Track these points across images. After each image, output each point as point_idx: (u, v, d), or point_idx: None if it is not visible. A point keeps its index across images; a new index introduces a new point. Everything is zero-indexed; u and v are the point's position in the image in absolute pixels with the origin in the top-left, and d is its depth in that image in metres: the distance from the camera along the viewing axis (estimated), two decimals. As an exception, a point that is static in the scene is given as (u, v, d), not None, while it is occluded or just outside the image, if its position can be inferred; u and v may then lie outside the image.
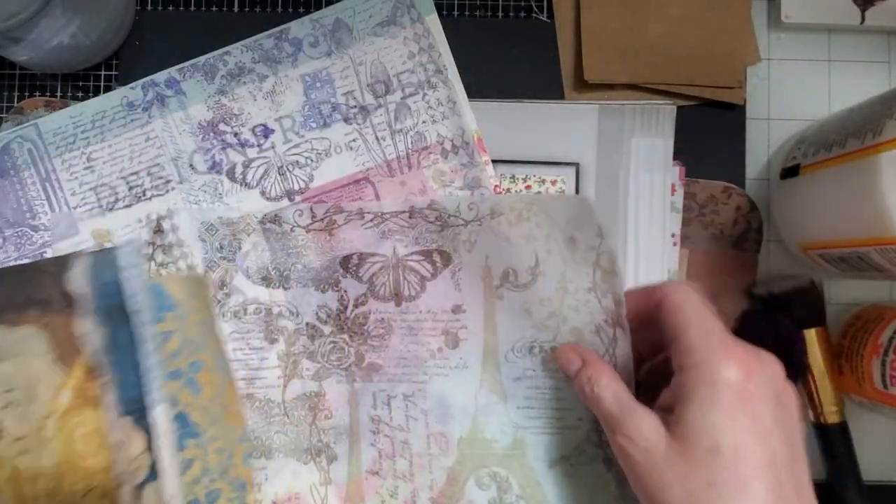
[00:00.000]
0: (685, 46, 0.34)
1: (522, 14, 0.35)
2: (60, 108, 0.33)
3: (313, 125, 0.33)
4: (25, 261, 0.33)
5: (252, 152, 0.33)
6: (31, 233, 0.33)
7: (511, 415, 0.31)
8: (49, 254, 0.33)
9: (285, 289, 0.33)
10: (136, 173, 0.33)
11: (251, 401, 0.32)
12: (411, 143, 0.33)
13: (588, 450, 0.31)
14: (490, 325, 0.32)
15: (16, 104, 0.35)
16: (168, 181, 0.33)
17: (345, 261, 0.32)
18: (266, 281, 0.33)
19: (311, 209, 0.32)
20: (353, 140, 0.33)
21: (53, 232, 0.33)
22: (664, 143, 0.33)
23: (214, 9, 0.35)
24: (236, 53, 0.33)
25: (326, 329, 0.33)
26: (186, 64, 0.33)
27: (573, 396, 0.30)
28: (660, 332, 0.25)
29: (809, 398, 0.33)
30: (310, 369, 0.33)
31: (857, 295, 0.35)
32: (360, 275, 0.32)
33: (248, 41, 0.33)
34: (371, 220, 0.32)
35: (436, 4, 0.33)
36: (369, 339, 0.32)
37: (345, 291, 0.32)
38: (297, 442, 0.32)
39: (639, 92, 0.34)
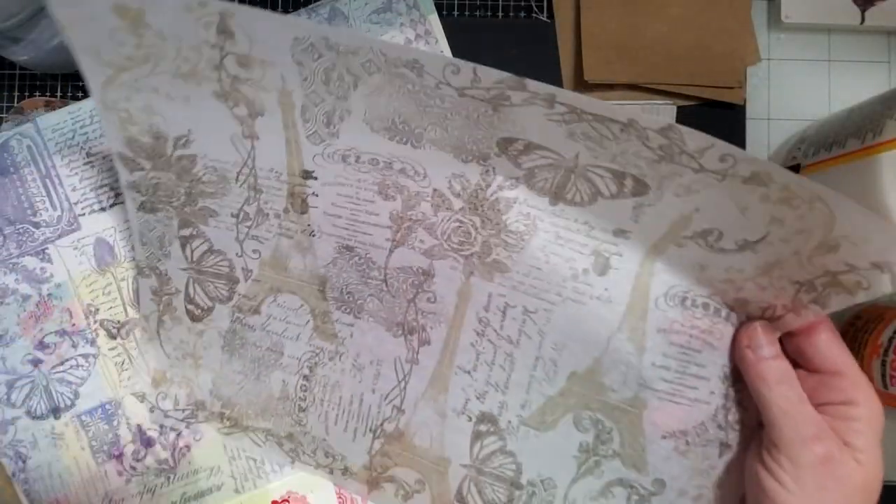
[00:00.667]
0: (685, 46, 0.34)
1: (522, 14, 0.35)
2: (60, 108, 0.33)
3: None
4: (27, 257, 0.32)
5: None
6: (33, 229, 0.33)
7: (644, 370, 0.27)
8: (51, 250, 0.33)
9: (413, 146, 0.26)
10: None
11: (350, 253, 0.29)
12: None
13: (710, 430, 0.27)
14: (650, 264, 0.26)
15: (16, 104, 0.35)
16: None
17: (506, 142, 0.25)
18: (388, 132, 0.26)
19: (475, 72, 0.23)
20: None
21: (55, 228, 0.33)
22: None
23: (214, 9, 0.35)
24: None
25: (456, 203, 0.27)
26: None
27: (711, 366, 0.26)
28: (799, 343, 0.26)
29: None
30: (424, 242, 0.28)
31: (857, 295, 0.35)
32: (520, 161, 0.26)
33: None
34: (563, 115, 0.23)
35: (436, 4, 0.33)
36: (504, 232, 0.27)
37: (492, 168, 0.26)
38: (390, 312, 0.29)
39: (639, 92, 0.34)
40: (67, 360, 0.32)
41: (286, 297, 0.30)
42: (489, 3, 0.35)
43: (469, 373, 0.29)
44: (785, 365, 0.25)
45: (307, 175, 0.28)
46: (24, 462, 0.32)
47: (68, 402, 0.32)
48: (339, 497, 0.32)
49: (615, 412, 0.27)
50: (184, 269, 0.30)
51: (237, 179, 0.28)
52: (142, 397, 0.32)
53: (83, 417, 0.32)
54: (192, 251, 0.30)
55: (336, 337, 0.30)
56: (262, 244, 0.29)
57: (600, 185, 0.25)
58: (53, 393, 0.32)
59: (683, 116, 0.34)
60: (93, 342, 0.32)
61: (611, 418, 0.28)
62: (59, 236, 0.33)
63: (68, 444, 0.32)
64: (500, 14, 0.35)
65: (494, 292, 0.28)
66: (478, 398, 0.29)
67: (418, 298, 0.29)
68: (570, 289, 0.27)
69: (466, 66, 0.23)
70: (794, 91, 0.35)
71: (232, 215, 0.29)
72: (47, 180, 0.33)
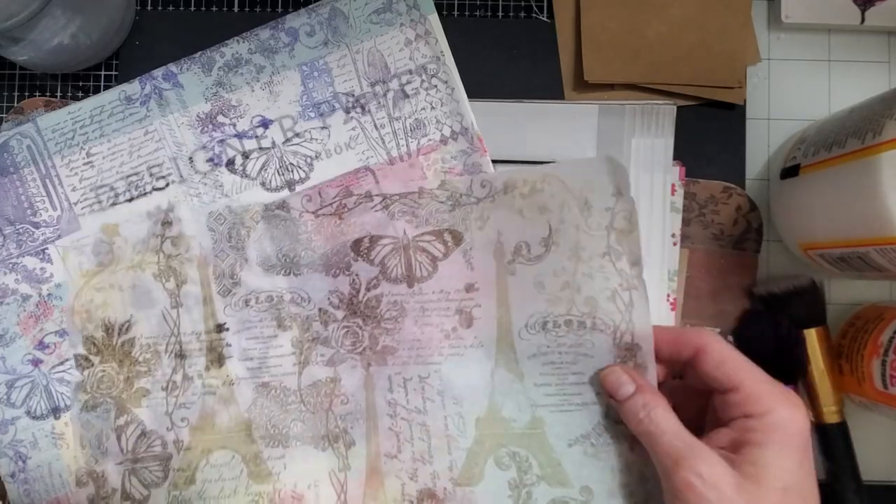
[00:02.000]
0: (685, 46, 0.34)
1: (522, 14, 0.35)
2: (60, 108, 0.33)
3: (312, 115, 0.33)
4: (27, 257, 0.32)
5: (251, 144, 0.33)
6: (33, 229, 0.33)
7: (528, 392, 0.31)
8: (51, 250, 0.33)
9: (295, 275, 0.32)
10: (135, 167, 0.33)
11: (266, 389, 0.32)
12: (410, 130, 0.33)
13: (609, 427, 0.30)
14: (503, 302, 0.31)
15: (16, 104, 0.35)
16: (168, 174, 0.33)
17: (356, 244, 0.32)
18: (275, 269, 0.32)
19: (320, 193, 0.32)
20: (353, 129, 0.33)
21: (55, 228, 0.33)
22: (664, 143, 0.33)
23: (214, 9, 0.35)
24: (233, 45, 0.33)
25: (339, 314, 0.32)
26: (183, 58, 0.33)
27: (590, 372, 0.30)
28: (694, 376, 0.27)
29: (809, 398, 0.33)
30: (324, 355, 0.32)
31: (857, 295, 0.35)
32: (371, 258, 0.32)
33: (245, 33, 0.33)
34: (380, 203, 0.32)
35: (436, 4, 0.33)
36: (383, 322, 0.32)
37: (356, 275, 0.32)
38: (314, 429, 0.32)
39: (639, 92, 0.34)
40: (67, 359, 0.32)
41: (217, 454, 0.32)
42: (489, 3, 0.35)
43: (395, 457, 0.32)
44: (644, 399, 0.27)
45: (220, 328, 0.33)
46: (24, 462, 0.32)
47: (68, 402, 0.32)
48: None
49: (524, 439, 0.31)
50: (119, 464, 0.32)
51: (166, 350, 0.33)
52: None
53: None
54: (127, 440, 0.32)
55: (271, 475, 0.32)
56: (189, 409, 0.32)
57: (432, 250, 0.32)
58: (53, 393, 0.32)
59: (683, 116, 0.34)
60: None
61: (522, 446, 0.31)
62: (59, 236, 0.33)
63: (68, 444, 0.32)
64: (500, 14, 0.35)
65: (392, 373, 0.32)
66: (411, 479, 0.32)
67: (333, 405, 0.32)
68: (447, 346, 0.32)
69: (314, 193, 0.32)
70: (794, 91, 0.35)
71: (162, 388, 0.33)
72: (47, 180, 0.33)
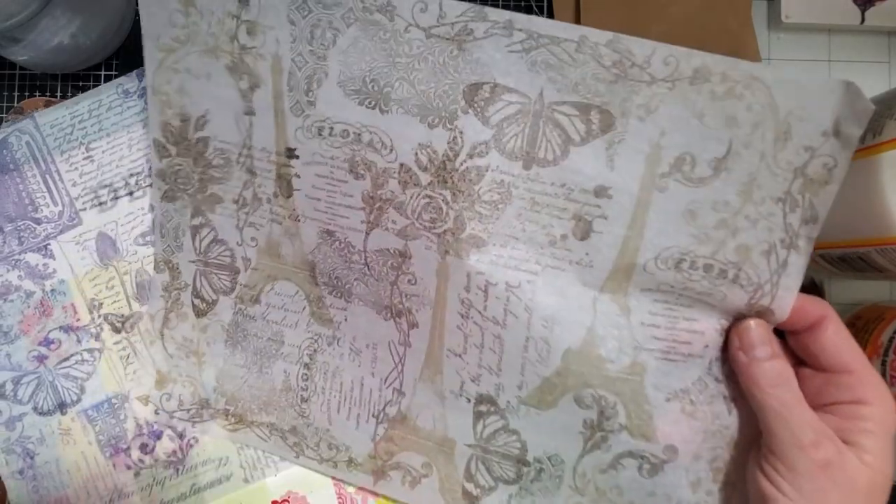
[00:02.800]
0: (685, 46, 0.34)
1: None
2: (59, 105, 0.33)
3: None
4: (29, 253, 0.32)
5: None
6: (34, 225, 0.33)
7: (634, 331, 0.26)
8: (53, 246, 0.33)
9: (381, 111, 0.26)
10: (135, 161, 0.33)
11: (331, 238, 0.28)
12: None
13: (709, 384, 0.26)
14: (638, 223, 0.25)
15: (16, 104, 0.35)
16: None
17: (472, 90, 0.25)
18: (358, 95, 0.26)
19: (441, 5, 0.25)
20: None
21: (56, 224, 0.33)
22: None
23: (215, 8, 0.35)
24: None
25: (424, 178, 0.26)
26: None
27: (706, 321, 0.26)
28: (804, 341, 0.25)
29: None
30: (396, 223, 0.27)
31: (857, 295, 0.35)
32: (487, 114, 0.25)
33: None
34: (522, 42, 0.24)
35: (436, 3, 0.33)
36: (477, 204, 0.26)
37: (460, 133, 0.26)
38: (377, 295, 0.29)
39: (639, 91, 0.34)
40: (72, 355, 0.33)
41: (282, 284, 0.30)
42: (489, 3, 0.35)
43: (460, 356, 0.28)
44: (780, 365, 0.25)
45: (290, 154, 0.28)
46: (31, 458, 0.33)
47: (74, 398, 0.33)
48: (339, 497, 0.32)
49: (616, 384, 0.26)
50: (192, 262, 0.31)
51: (237, 161, 0.29)
52: (146, 400, 0.32)
53: (90, 412, 0.33)
54: (200, 241, 0.31)
55: (332, 322, 0.30)
56: (258, 231, 0.30)
57: (568, 127, 0.25)
58: (59, 388, 0.33)
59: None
60: (97, 337, 0.33)
61: (613, 392, 0.26)
62: (61, 232, 0.33)
63: (76, 440, 0.32)
64: (501, 13, 0.35)
65: (473, 271, 0.26)
66: (472, 381, 0.28)
67: (399, 281, 0.28)
68: (549, 255, 0.26)
69: (433, 2, 0.25)
70: (795, 91, 0.35)
71: (233, 201, 0.30)
72: (47, 176, 0.33)
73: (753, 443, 0.26)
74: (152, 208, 0.32)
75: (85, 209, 0.33)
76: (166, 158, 0.30)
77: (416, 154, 0.26)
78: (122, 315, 0.33)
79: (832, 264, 0.32)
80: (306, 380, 0.31)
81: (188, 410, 0.32)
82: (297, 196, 0.29)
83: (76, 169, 0.33)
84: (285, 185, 0.28)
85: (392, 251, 0.28)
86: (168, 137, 0.30)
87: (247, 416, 0.32)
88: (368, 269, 0.28)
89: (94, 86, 0.35)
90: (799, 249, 0.24)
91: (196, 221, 0.30)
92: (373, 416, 0.30)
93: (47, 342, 0.33)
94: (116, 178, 0.33)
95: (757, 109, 0.24)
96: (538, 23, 0.24)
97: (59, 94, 0.35)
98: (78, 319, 0.33)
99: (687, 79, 0.24)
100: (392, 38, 0.26)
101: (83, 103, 0.33)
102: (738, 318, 0.26)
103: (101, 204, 0.33)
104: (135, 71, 0.33)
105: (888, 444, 0.24)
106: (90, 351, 0.33)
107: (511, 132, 0.25)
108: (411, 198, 0.27)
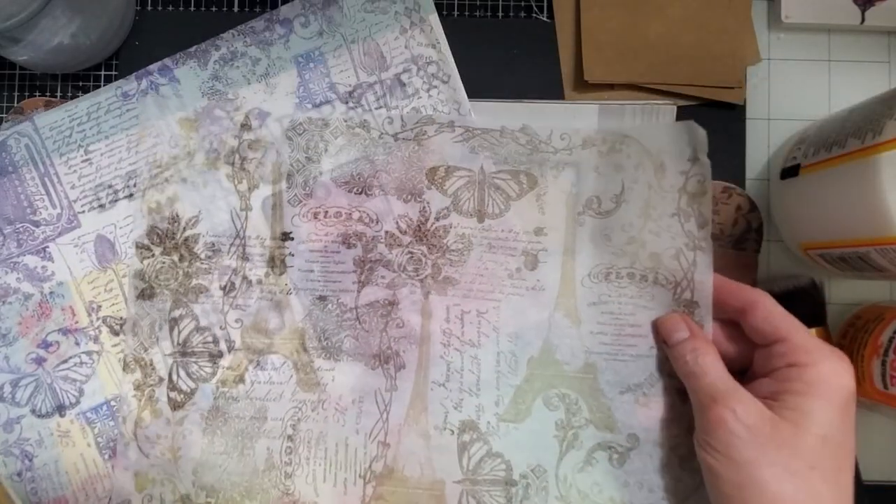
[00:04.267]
0: (685, 46, 0.34)
1: (522, 14, 0.35)
2: (58, 107, 0.33)
3: (308, 106, 0.33)
4: (28, 256, 0.32)
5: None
6: (33, 228, 0.33)
7: (584, 339, 0.32)
8: (51, 249, 0.33)
9: (367, 195, 0.33)
10: (134, 163, 0.33)
11: (323, 302, 0.33)
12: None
13: (661, 380, 0.31)
14: (569, 250, 0.32)
15: (16, 104, 0.35)
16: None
17: (431, 172, 0.33)
18: (347, 186, 0.33)
19: (402, 117, 0.33)
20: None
21: (55, 226, 0.33)
22: (664, 142, 0.33)
23: (214, 9, 0.35)
24: (228, 38, 0.33)
25: (405, 239, 0.33)
26: (179, 53, 0.33)
27: (647, 324, 0.31)
28: (746, 324, 0.28)
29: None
30: (385, 277, 0.33)
31: (857, 295, 0.35)
32: (445, 188, 0.32)
33: (240, 26, 0.33)
34: (461, 135, 0.32)
35: (436, 4, 0.33)
36: (448, 253, 0.32)
37: (427, 203, 0.33)
38: (366, 347, 0.33)
39: (639, 92, 0.34)
40: (71, 357, 0.33)
41: (269, 357, 0.33)
42: (489, 3, 0.35)
43: (443, 385, 0.32)
44: (695, 343, 0.28)
45: (286, 237, 0.33)
46: (30, 460, 0.32)
47: (73, 400, 0.33)
48: None
49: (574, 382, 0.32)
50: (169, 355, 0.33)
51: (228, 252, 0.33)
52: (128, 503, 0.32)
53: (88, 414, 0.33)
54: (180, 332, 0.33)
55: (318, 385, 0.32)
56: (245, 311, 0.33)
57: (506, 188, 0.33)
58: (58, 391, 0.33)
59: (684, 116, 0.33)
60: (96, 339, 0.33)
61: (573, 389, 0.32)
62: (60, 234, 0.33)
63: (74, 441, 0.32)
64: (500, 14, 0.35)
65: (450, 304, 0.33)
66: (455, 408, 0.32)
67: (388, 326, 0.33)
68: (509, 285, 0.32)
69: (396, 115, 0.33)
70: (794, 91, 0.35)
71: (220, 288, 0.33)
72: (46, 179, 0.33)
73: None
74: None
75: (84, 211, 0.33)
76: (148, 259, 0.33)
77: (397, 223, 0.33)
78: (121, 318, 0.33)
79: (832, 264, 0.32)
80: (290, 453, 0.32)
81: None
82: (290, 272, 0.33)
83: (75, 171, 0.33)
84: (278, 265, 0.33)
85: (382, 302, 0.33)
86: (153, 239, 0.33)
87: None
88: (359, 322, 0.33)
89: (94, 86, 0.35)
90: (703, 249, 0.31)
91: (176, 313, 0.33)
92: (360, 476, 0.32)
93: (46, 344, 0.33)
94: (115, 179, 0.33)
95: (634, 156, 0.32)
96: (470, 120, 0.33)
97: (59, 94, 0.35)
98: (76, 322, 0.33)
99: (579, 146, 0.32)
100: (370, 144, 0.33)
101: (82, 105, 0.33)
102: (666, 314, 0.31)
103: (100, 206, 0.33)
104: (133, 73, 0.33)
105: (825, 403, 0.24)
106: (89, 353, 0.33)
107: (465, 197, 0.33)
108: (397, 255, 0.33)
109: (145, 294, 0.33)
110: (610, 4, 0.34)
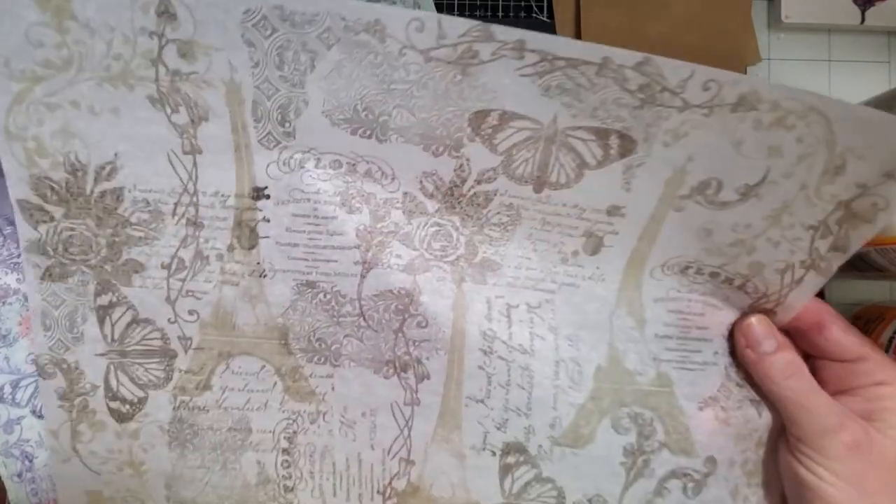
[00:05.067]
0: (685, 46, 0.34)
1: (522, 14, 0.35)
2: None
3: None
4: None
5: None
6: (33, 230, 0.33)
7: (649, 343, 0.25)
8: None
9: (379, 140, 0.23)
10: None
11: (311, 290, 0.24)
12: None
13: (733, 390, 0.25)
14: (649, 237, 0.24)
15: (16, 105, 0.34)
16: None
17: (477, 117, 0.22)
18: (349, 124, 0.23)
19: (440, 23, 0.21)
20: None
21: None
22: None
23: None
24: None
25: (431, 205, 0.24)
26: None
27: (715, 327, 0.25)
28: (810, 340, 0.25)
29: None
30: (401, 257, 0.24)
31: (857, 295, 0.35)
32: (495, 142, 0.23)
33: None
34: (535, 65, 0.21)
35: (436, 4, 0.33)
36: (487, 227, 0.24)
37: (467, 160, 0.23)
38: (375, 351, 0.25)
39: (639, 92, 0.34)
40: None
41: (241, 360, 0.25)
42: (489, 3, 0.35)
43: (482, 401, 0.25)
44: (789, 356, 0.25)
45: (258, 194, 0.24)
46: (30, 461, 0.32)
47: (73, 401, 0.32)
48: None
49: (650, 398, 0.25)
50: (101, 355, 0.25)
51: (174, 213, 0.24)
52: None
53: (87, 416, 0.32)
54: (113, 325, 0.25)
55: (314, 394, 0.25)
56: (200, 300, 0.24)
57: (584, 152, 0.23)
58: (57, 391, 0.32)
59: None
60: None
61: (648, 407, 0.25)
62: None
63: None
64: (500, 14, 0.35)
65: (493, 295, 0.24)
66: (498, 428, 0.25)
67: (406, 326, 0.24)
68: (562, 273, 0.25)
69: (431, 19, 0.21)
70: (795, 91, 0.35)
71: (162, 266, 0.24)
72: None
73: (779, 437, 0.26)
74: (24, 298, 0.24)
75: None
76: (46, 224, 0.23)
77: (422, 182, 0.24)
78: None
79: (833, 264, 0.32)
80: (288, 466, 0.26)
81: None
82: (264, 245, 0.24)
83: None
84: (247, 234, 0.24)
85: (396, 291, 0.24)
86: (47, 196, 0.23)
87: None
88: (365, 319, 0.24)
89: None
90: (820, 270, 0.23)
91: (104, 300, 0.24)
92: (378, 493, 0.26)
93: (46, 345, 0.32)
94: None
95: (809, 142, 0.21)
96: (554, 42, 0.21)
97: (58, 95, 0.35)
98: (77, 322, 0.33)
99: (728, 105, 0.21)
100: (385, 63, 0.22)
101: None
102: (740, 318, 0.26)
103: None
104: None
105: None
106: (89, 353, 0.33)
107: (521, 158, 0.23)
108: (418, 227, 0.24)
109: (53, 274, 0.24)
110: (610, 4, 0.34)
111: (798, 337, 0.26)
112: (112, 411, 0.25)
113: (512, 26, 0.36)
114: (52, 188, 0.23)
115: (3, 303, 0.33)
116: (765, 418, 0.26)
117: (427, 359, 0.25)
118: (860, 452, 0.23)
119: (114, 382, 0.25)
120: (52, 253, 0.24)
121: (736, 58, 0.34)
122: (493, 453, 0.25)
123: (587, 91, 0.22)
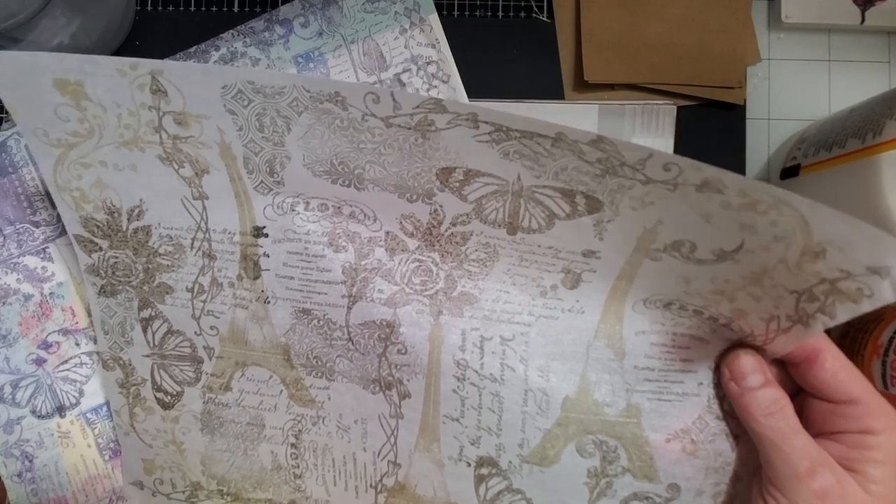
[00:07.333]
0: (685, 46, 0.34)
1: (522, 14, 0.35)
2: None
3: None
4: (28, 257, 0.32)
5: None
6: (33, 228, 0.33)
7: (626, 375, 0.25)
8: (51, 249, 0.33)
9: (358, 189, 0.25)
10: None
11: (307, 316, 0.27)
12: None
13: (710, 423, 0.25)
14: (627, 275, 0.24)
15: (16, 105, 0.34)
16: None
17: (444, 172, 0.24)
18: (331, 175, 0.25)
19: (393, 96, 0.22)
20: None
21: (55, 227, 0.33)
22: (664, 143, 0.33)
23: (214, 9, 0.35)
24: (228, 39, 0.33)
25: (412, 243, 0.26)
26: (179, 53, 0.33)
27: (701, 360, 0.25)
28: (803, 374, 0.24)
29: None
30: (383, 292, 0.26)
31: (856, 294, 0.35)
32: (463, 193, 0.24)
33: (239, 27, 0.33)
34: (490, 134, 0.22)
35: (436, 4, 0.33)
36: (466, 263, 0.25)
37: (440, 206, 0.25)
38: (363, 370, 0.27)
39: (639, 92, 0.34)
40: (71, 358, 0.33)
41: (253, 369, 0.29)
42: (489, 3, 0.35)
43: (457, 420, 0.27)
44: (773, 393, 0.24)
45: (258, 232, 0.27)
46: (30, 461, 0.32)
47: (73, 401, 0.33)
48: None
49: (616, 428, 0.26)
50: (147, 356, 0.29)
51: (192, 246, 0.28)
52: (140, 485, 0.32)
53: (88, 415, 0.32)
54: (154, 334, 0.29)
55: (314, 402, 0.29)
56: (218, 318, 0.28)
57: (552, 206, 0.24)
58: (58, 391, 0.32)
59: (683, 116, 0.34)
60: (96, 340, 0.33)
61: (613, 436, 0.26)
62: (60, 235, 0.33)
63: (74, 442, 0.32)
64: (500, 14, 0.35)
65: (468, 327, 0.26)
66: (472, 444, 0.27)
67: (388, 352, 0.27)
68: (541, 306, 0.26)
69: (385, 94, 0.22)
70: (794, 91, 0.35)
71: (187, 289, 0.28)
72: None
73: (756, 474, 0.25)
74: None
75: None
76: (97, 253, 0.28)
77: (402, 222, 0.26)
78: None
79: (833, 264, 0.32)
80: (296, 458, 0.30)
81: (183, 492, 0.31)
82: (266, 277, 0.27)
83: (75, 171, 0.33)
84: (251, 267, 0.27)
85: (378, 322, 0.26)
86: (95, 232, 0.28)
87: (242, 494, 0.31)
88: (353, 343, 0.27)
89: (94, 87, 0.35)
90: (808, 325, 0.22)
91: (146, 314, 0.29)
92: (371, 486, 0.29)
93: (46, 345, 0.33)
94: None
95: (784, 227, 0.20)
96: (505, 117, 0.22)
97: (58, 95, 0.35)
98: (77, 322, 0.33)
99: (693, 186, 0.21)
100: (351, 126, 0.24)
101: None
102: (728, 349, 0.25)
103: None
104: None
105: None
106: (89, 354, 0.33)
107: (491, 207, 0.25)
108: (399, 263, 0.26)
109: (106, 290, 0.29)
110: (610, 4, 0.34)
111: (791, 368, 0.25)
112: (157, 400, 0.30)
113: (511, 27, 0.36)
114: (98, 226, 0.28)
115: (3, 303, 0.33)
116: (739, 452, 0.26)
117: (408, 380, 0.27)
118: (829, 501, 0.22)
119: (158, 378, 0.30)
120: (103, 275, 0.29)
121: (736, 58, 0.34)
122: (469, 464, 0.28)
123: (546, 158, 0.22)
